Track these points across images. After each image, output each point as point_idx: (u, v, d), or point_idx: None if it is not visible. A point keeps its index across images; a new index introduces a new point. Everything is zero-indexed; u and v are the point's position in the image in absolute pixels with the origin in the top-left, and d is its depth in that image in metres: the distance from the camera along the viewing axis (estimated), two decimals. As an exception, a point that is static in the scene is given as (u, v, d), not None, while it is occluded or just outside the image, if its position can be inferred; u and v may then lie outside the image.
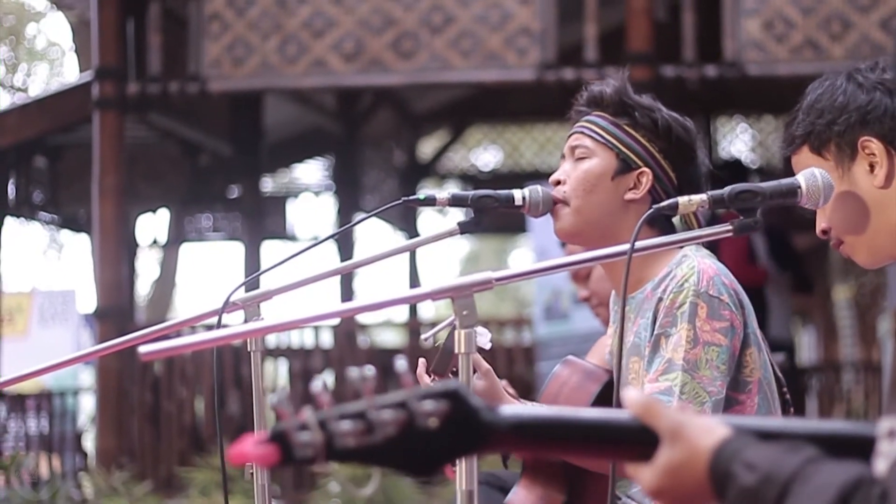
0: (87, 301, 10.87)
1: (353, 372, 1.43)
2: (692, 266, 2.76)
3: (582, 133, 2.94)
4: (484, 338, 2.62)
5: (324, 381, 1.45)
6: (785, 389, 2.92)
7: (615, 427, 1.51)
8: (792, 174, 2.54)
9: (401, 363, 1.47)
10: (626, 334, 2.87)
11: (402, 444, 1.43)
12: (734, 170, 8.63)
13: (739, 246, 7.87)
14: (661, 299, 2.77)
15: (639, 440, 1.49)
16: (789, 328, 8.60)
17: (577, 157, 2.92)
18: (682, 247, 2.78)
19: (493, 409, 1.47)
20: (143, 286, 18.73)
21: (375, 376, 1.42)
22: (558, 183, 2.92)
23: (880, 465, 1.34)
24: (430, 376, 2.70)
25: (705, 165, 2.95)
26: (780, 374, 2.90)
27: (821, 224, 2.47)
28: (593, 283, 4.09)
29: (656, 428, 1.48)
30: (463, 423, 1.44)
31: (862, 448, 1.43)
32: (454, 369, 2.60)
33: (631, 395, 1.50)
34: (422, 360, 2.72)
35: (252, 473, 2.87)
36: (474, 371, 2.65)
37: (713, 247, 3.06)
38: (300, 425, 1.42)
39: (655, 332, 2.76)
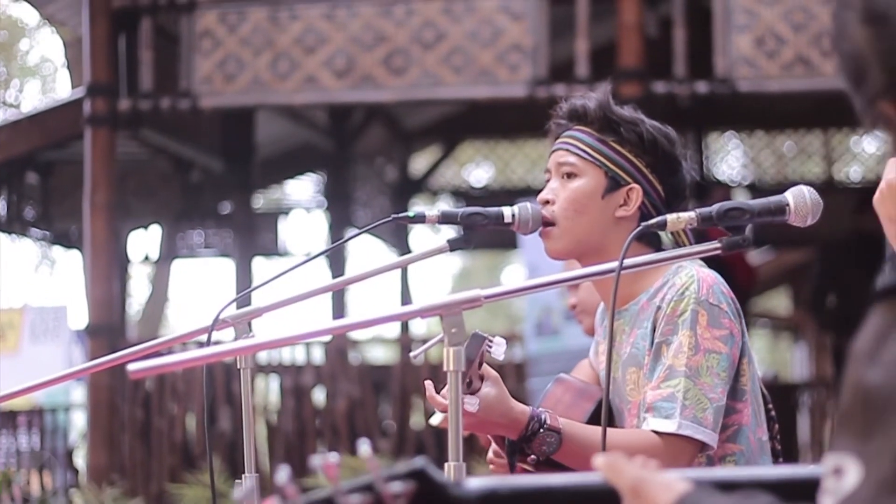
0: (79, 317, 10.84)
1: (316, 459, 1.43)
2: (691, 275, 2.76)
3: (567, 150, 2.92)
4: (499, 348, 2.59)
5: (289, 470, 1.45)
6: (770, 406, 2.92)
7: (586, 491, 1.52)
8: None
9: (364, 448, 1.47)
10: (622, 346, 2.87)
11: None
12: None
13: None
14: (659, 308, 2.77)
15: (611, 502, 1.50)
16: None
17: (565, 176, 2.91)
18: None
19: (459, 484, 1.48)
20: (135, 302, 18.70)
21: (371, 393, 1.41)
22: (546, 202, 2.90)
23: (826, 503, 1.34)
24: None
25: (690, 175, 2.96)
26: (765, 391, 2.91)
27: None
28: (581, 292, 4.09)
29: (618, 486, 1.49)
30: (430, 502, 1.46)
31: (816, 490, 1.44)
32: (470, 376, 2.58)
33: (598, 459, 1.51)
34: (428, 383, 2.64)
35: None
36: (482, 379, 2.63)
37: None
38: None
39: (656, 341, 2.76)
